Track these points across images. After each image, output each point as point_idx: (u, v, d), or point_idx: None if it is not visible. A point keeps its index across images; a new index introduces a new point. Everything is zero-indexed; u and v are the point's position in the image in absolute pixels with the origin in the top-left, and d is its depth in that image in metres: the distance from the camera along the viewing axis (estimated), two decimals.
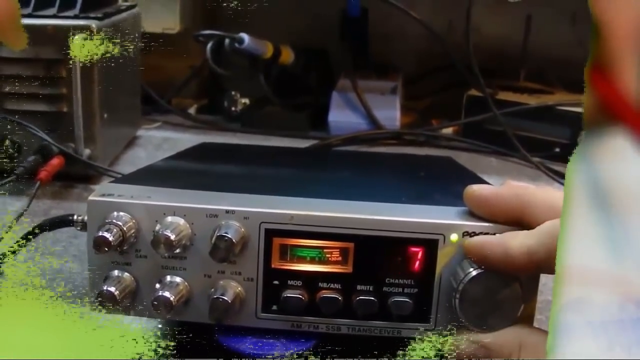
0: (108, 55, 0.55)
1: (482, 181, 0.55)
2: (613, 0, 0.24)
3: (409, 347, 0.41)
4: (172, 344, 0.43)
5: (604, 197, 0.25)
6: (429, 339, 0.41)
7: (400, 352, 0.41)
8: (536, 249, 0.38)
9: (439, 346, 0.41)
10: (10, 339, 0.43)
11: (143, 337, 0.43)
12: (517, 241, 0.39)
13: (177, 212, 0.43)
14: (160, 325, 0.49)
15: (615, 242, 0.25)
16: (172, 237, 0.41)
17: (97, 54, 0.56)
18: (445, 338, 0.41)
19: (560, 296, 0.25)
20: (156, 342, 0.43)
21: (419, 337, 0.42)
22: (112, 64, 0.82)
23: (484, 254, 0.40)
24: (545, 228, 0.38)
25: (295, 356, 0.43)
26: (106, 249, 0.41)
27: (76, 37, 0.60)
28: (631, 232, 0.24)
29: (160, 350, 0.43)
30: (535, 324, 0.43)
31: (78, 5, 0.80)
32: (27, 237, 0.54)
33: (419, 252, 0.42)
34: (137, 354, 0.42)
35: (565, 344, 0.25)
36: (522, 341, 0.39)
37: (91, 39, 0.55)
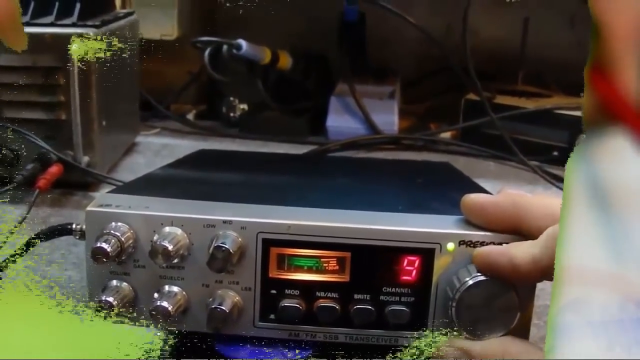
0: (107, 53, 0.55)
1: (479, 188, 0.56)
2: (613, 1, 0.24)
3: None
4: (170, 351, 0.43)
5: (603, 197, 0.25)
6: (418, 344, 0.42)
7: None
8: (540, 257, 0.38)
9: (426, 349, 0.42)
10: (10, 345, 0.44)
11: (140, 346, 0.44)
12: (521, 250, 0.39)
13: (174, 222, 0.43)
14: (158, 335, 0.49)
15: (615, 241, 0.25)
16: (170, 247, 0.41)
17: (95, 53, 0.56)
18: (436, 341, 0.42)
19: (560, 296, 0.25)
20: (153, 350, 0.43)
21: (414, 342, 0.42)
22: (111, 71, 0.82)
23: (489, 262, 0.40)
24: (548, 235, 0.38)
25: None
26: (104, 260, 0.42)
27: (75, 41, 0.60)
28: (631, 231, 0.24)
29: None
30: (534, 329, 0.43)
31: (76, 13, 0.80)
32: (26, 246, 0.54)
33: (415, 261, 0.43)
34: None
35: (565, 344, 0.25)
36: (506, 351, 0.40)
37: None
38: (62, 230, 0.51)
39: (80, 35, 0.65)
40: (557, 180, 0.94)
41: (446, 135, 1.14)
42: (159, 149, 1.04)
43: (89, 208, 0.44)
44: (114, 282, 0.44)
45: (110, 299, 0.43)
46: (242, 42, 1.05)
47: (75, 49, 0.59)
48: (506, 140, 1.01)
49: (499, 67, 1.20)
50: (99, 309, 0.43)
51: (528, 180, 0.95)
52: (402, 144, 1.11)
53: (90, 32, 0.77)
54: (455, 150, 1.08)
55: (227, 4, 1.11)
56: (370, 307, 0.43)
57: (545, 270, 0.38)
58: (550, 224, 0.39)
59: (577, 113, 1.02)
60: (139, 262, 0.44)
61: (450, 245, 0.42)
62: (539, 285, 0.43)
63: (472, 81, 1.05)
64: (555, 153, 1.02)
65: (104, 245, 0.41)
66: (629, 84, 0.24)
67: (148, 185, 0.53)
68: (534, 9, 1.18)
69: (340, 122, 1.11)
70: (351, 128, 1.10)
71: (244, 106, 1.17)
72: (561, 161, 1.00)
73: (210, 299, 0.43)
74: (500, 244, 0.41)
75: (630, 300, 0.24)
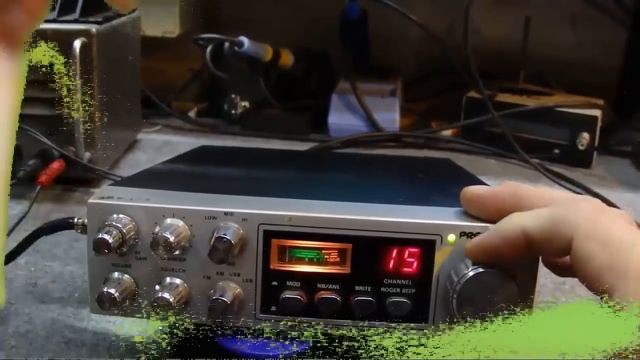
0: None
1: (479, 182, 0.55)
2: None
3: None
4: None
5: None
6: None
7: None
8: (531, 227, 0.38)
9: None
10: None
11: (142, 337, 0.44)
12: (511, 223, 0.39)
13: (176, 214, 0.43)
14: (160, 327, 0.49)
15: None
16: (171, 239, 0.41)
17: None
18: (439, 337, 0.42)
19: None
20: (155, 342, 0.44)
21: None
22: (113, 68, 0.82)
23: (484, 249, 0.40)
24: (542, 212, 0.38)
25: (294, 356, 0.43)
26: (106, 251, 0.42)
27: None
28: None
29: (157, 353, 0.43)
30: None
31: (78, 10, 0.81)
32: (28, 241, 0.54)
33: (416, 252, 0.43)
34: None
35: None
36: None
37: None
38: (64, 225, 0.51)
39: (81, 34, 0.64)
40: (559, 178, 0.94)
41: (447, 133, 1.14)
42: (160, 146, 1.05)
43: (90, 200, 0.44)
44: (116, 274, 0.44)
45: (112, 291, 0.43)
46: (244, 40, 1.05)
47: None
48: (507, 138, 1.01)
49: (501, 65, 1.20)
50: (100, 301, 0.43)
51: (530, 177, 0.96)
52: (403, 141, 1.11)
53: (93, 28, 0.77)
54: (456, 148, 1.08)
55: None
56: (371, 298, 0.43)
57: (536, 242, 0.38)
58: None
59: (578, 111, 1.02)
60: (140, 254, 0.44)
61: (451, 237, 0.42)
62: (540, 282, 0.43)
63: (473, 79, 1.05)
64: (556, 151, 1.02)
65: (106, 237, 0.41)
66: None
67: (149, 179, 0.53)
68: (535, 8, 1.18)
69: (342, 119, 1.11)
70: (352, 125, 1.10)
71: (246, 104, 1.17)
72: (562, 159, 1.01)
73: (212, 291, 0.43)
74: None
75: None
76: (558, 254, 0.39)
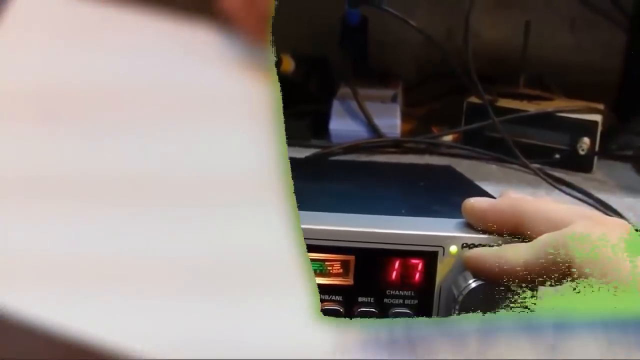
0: None
1: (481, 190, 0.56)
2: None
3: None
4: None
5: None
6: None
7: None
8: (533, 261, 0.38)
9: None
10: None
11: None
12: (513, 253, 0.39)
13: None
14: None
15: None
16: None
17: None
18: None
19: None
20: None
21: None
22: None
23: (480, 266, 0.40)
24: (542, 241, 0.39)
25: None
26: None
27: None
28: None
29: None
30: None
31: None
32: None
33: (419, 264, 0.43)
34: None
35: None
36: None
37: None
38: None
39: None
40: (559, 183, 0.94)
41: (448, 138, 1.14)
42: None
43: None
44: None
45: None
46: None
47: None
48: (508, 143, 1.01)
49: (501, 70, 1.20)
50: None
51: (530, 183, 0.96)
52: (404, 147, 1.11)
53: None
54: (457, 154, 1.08)
55: None
56: (374, 310, 0.43)
57: (537, 276, 0.38)
58: (549, 229, 0.39)
59: (578, 116, 1.02)
60: None
61: (453, 248, 0.42)
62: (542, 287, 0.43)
63: (473, 84, 1.05)
64: (557, 156, 1.02)
65: None
66: None
67: None
68: (535, 12, 1.18)
69: (343, 125, 1.11)
70: (354, 131, 1.10)
71: None
72: (563, 164, 1.01)
73: None
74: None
75: None
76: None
